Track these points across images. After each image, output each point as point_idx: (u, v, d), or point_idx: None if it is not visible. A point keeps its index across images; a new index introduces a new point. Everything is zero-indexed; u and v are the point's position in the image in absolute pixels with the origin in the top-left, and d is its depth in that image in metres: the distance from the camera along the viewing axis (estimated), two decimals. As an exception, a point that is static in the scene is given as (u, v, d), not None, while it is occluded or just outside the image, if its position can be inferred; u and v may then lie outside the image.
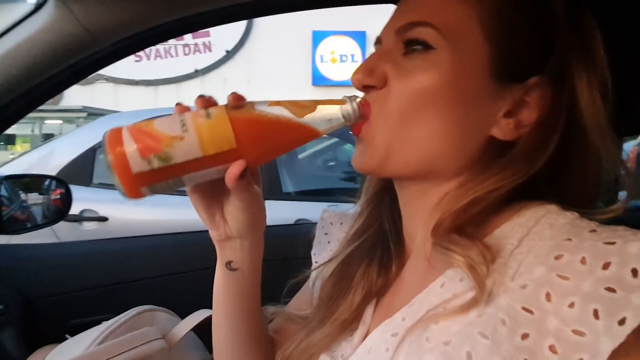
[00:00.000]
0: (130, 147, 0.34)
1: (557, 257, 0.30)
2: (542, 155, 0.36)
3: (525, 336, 0.29)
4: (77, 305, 0.87)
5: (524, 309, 0.30)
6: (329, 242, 0.56)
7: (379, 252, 0.47)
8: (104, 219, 1.97)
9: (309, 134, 0.38)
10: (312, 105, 0.39)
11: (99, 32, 0.65)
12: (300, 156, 2.90)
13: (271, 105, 0.38)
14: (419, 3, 0.39)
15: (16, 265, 0.89)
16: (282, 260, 1.04)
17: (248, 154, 0.36)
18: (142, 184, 0.35)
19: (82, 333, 0.61)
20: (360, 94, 0.41)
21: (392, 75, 0.38)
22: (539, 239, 0.33)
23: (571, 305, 0.28)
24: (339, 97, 0.40)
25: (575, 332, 0.28)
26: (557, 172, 0.38)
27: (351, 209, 0.55)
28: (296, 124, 0.38)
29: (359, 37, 9.42)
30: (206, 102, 0.39)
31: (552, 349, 0.28)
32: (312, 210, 2.11)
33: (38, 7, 0.65)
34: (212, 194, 0.43)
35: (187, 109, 0.39)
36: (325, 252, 0.55)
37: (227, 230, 0.43)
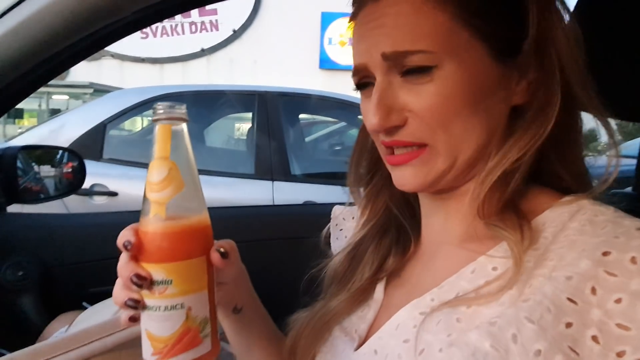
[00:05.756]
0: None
1: (604, 254, 0.31)
2: (551, 112, 0.37)
3: (568, 325, 0.30)
4: (95, 274, 0.89)
5: (568, 299, 0.31)
6: (345, 237, 0.58)
7: (392, 234, 0.49)
8: (113, 194, 1.99)
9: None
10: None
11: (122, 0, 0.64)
12: (307, 139, 2.90)
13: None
14: (396, 20, 0.38)
15: (34, 234, 0.91)
16: (291, 238, 1.05)
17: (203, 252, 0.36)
18: None
19: (107, 300, 0.63)
20: None
21: (412, 104, 0.38)
22: (579, 235, 0.34)
23: (618, 300, 0.29)
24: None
25: (619, 325, 0.29)
26: (560, 142, 0.40)
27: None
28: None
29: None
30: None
31: (594, 339, 0.29)
32: (319, 192, 2.13)
33: (60, -28, 0.64)
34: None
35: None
36: (343, 244, 0.56)
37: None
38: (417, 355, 0.35)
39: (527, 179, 0.39)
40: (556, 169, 0.41)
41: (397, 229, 0.49)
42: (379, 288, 0.46)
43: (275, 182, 2.08)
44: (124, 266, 0.34)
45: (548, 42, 0.38)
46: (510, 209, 0.38)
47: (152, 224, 0.34)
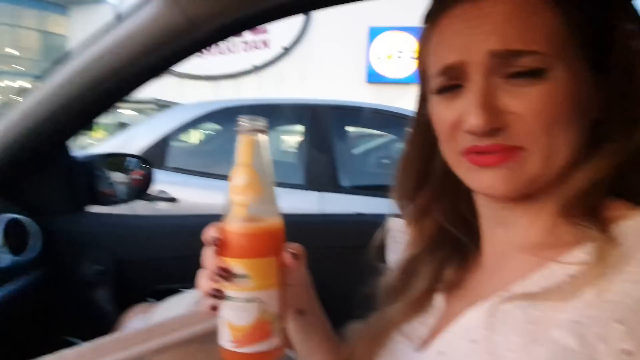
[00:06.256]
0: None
1: None
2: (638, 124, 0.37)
3: None
4: (159, 272, 0.96)
5: None
6: (401, 250, 0.57)
7: (447, 247, 0.48)
8: (173, 200, 2.13)
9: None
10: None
11: (198, 20, 0.71)
12: (355, 151, 2.91)
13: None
14: (508, 17, 0.36)
15: (111, 231, 1.00)
16: (345, 248, 1.05)
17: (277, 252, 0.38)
18: None
19: (176, 296, 0.67)
20: None
21: (515, 106, 0.37)
22: None
23: None
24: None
25: None
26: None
27: None
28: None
29: (418, 33, 9.14)
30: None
31: None
32: (367, 204, 2.12)
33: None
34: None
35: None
36: (398, 257, 0.57)
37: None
38: (487, 355, 0.34)
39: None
40: (633, 181, 0.39)
41: (452, 241, 0.48)
42: (439, 297, 0.46)
43: (324, 193, 2.11)
44: (210, 260, 0.38)
45: (636, 56, 0.37)
46: (592, 215, 0.37)
47: (235, 224, 0.37)
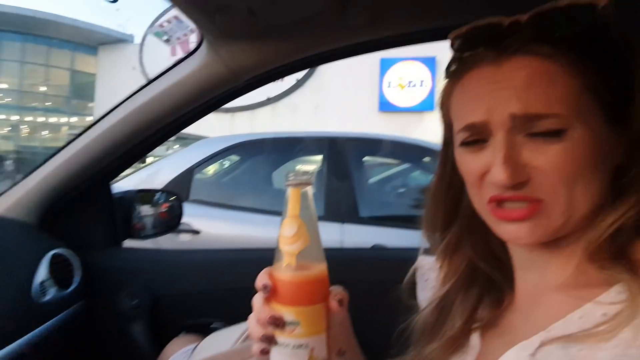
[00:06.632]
0: None
1: None
2: None
3: None
4: (192, 307, 0.98)
5: None
6: (432, 287, 0.58)
7: (480, 285, 0.49)
8: (196, 232, 2.17)
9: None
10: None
11: (238, 71, 0.77)
12: (371, 181, 2.93)
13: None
14: (527, 83, 0.38)
15: (147, 265, 1.03)
16: (365, 282, 1.06)
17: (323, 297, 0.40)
18: None
19: (221, 331, 0.69)
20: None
21: (537, 161, 0.39)
22: None
23: None
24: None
25: None
26: None
27: None
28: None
29: (429, 62, 9.37)
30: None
31: None
32: (387, 235, 2.11)
33: (192, 52, 0.79)
34: None
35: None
36: (429, 295, 0.57)
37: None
38: None
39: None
40: None
41: (485, 279, 0.49)
42: (475, 337, 0.47)
43: (344, 225, 2.11)
44: (261, 308, 0.39)
45: None
46: (620, 258, 0.38)
47: (286, 272, 0.39)
